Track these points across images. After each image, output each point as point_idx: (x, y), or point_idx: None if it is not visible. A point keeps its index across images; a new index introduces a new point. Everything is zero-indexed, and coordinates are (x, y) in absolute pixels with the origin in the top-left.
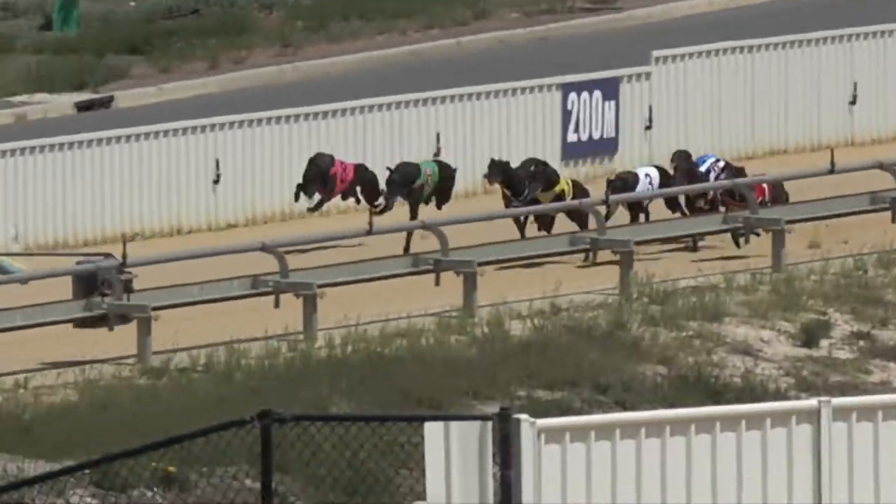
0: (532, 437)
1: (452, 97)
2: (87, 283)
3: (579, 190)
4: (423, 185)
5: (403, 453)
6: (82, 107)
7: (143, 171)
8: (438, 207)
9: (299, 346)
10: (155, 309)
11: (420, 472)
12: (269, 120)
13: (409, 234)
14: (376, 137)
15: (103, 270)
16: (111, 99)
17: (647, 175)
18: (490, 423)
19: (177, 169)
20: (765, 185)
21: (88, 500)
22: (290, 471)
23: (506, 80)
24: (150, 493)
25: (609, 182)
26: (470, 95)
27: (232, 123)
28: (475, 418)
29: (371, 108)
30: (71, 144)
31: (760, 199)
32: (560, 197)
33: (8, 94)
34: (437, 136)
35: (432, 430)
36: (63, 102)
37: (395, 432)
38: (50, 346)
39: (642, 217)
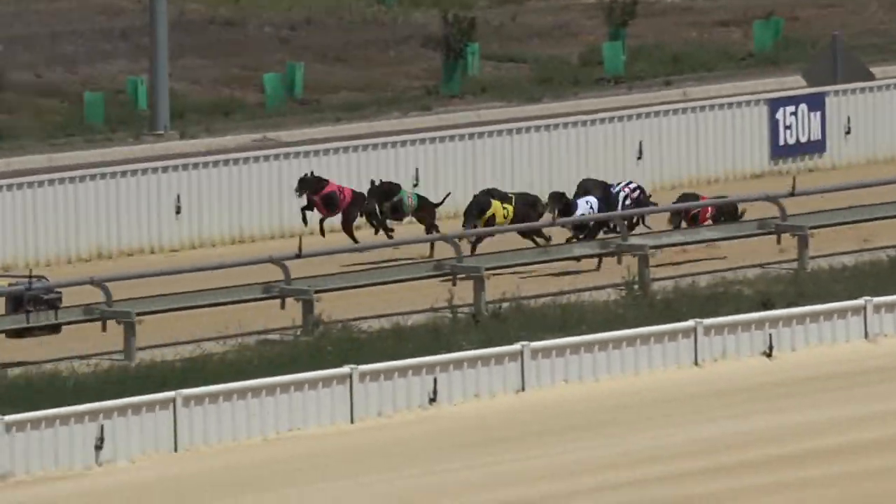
0: None
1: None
2: (16, 302)
3: (524, 211)
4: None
5: None
6: None
7: None
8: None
9: None
10: None
11: None
12: None
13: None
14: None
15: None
16: None
17: (587, 202)
18: None
19: None
20: (710, 208)
21: None
22: None
23: None
24: None
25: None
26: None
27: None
28: None
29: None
30: None
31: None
32: (490, 222)
33: None
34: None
35: None
36: None
37: None
38: None
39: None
